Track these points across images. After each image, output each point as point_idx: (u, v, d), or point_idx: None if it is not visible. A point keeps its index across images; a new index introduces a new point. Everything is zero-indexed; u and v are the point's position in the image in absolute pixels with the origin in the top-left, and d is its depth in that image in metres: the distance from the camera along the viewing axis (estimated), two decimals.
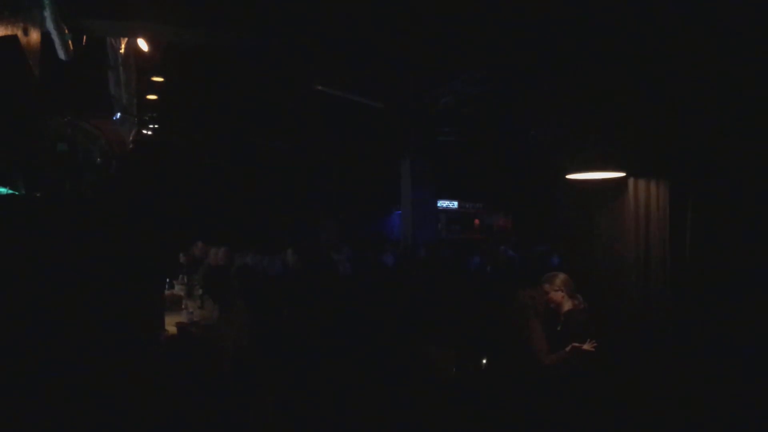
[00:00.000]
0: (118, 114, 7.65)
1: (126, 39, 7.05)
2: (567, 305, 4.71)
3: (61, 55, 5.38)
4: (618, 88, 5.22)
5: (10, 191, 3.84)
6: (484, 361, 5.78)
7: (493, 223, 21.64)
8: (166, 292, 7.28)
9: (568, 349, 4.44)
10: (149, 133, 11.23)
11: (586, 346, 4.40)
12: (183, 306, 6.91)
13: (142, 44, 7.18)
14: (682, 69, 4.90)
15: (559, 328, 4.72)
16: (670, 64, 4.93)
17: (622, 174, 5.14)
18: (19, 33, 4.49)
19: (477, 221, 21.61)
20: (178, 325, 5.84)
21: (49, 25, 4.46)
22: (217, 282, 7.00)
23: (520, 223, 16.91)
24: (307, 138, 15.21)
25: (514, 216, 18.33)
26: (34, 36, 4.74)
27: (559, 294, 4.74)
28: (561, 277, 4.80)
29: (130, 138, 8.61)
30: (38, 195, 4.11)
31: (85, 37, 5.64)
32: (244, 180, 16.48)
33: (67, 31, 5.05)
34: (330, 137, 15.02)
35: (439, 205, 15.87)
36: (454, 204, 21.84)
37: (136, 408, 2.85)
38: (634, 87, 5.14)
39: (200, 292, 7.44)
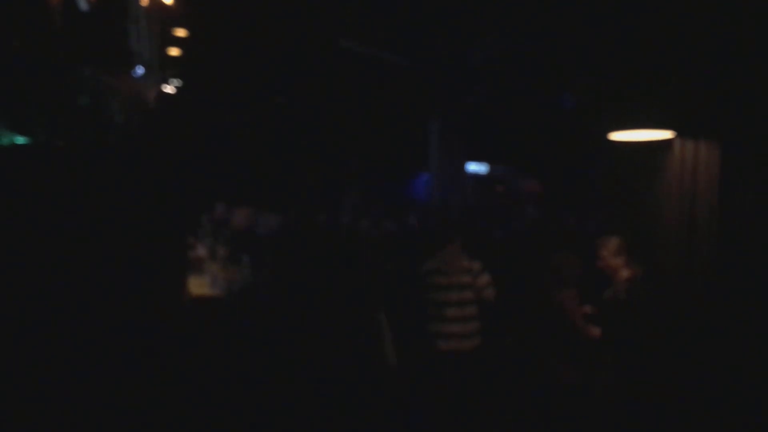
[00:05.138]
0: (140, 69, 7.48)
1: None
2: (625, 273, 4.40)
3: (82, 5, 5.20)
4: (665, 41, 4.88)
5: (30, 140, 3.77)
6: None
7: (522, 187, 20.98)
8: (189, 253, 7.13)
9: None
10: (172, 89, 11.06)
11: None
12: (205, 268, 6.76)
13: None
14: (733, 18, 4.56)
15: (607, 296, 4.44)
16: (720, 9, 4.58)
17: (669, 134, 4.82)
18: None
19: (498, 187, 20.83)
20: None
21: None
22: (243, 244, 6.83)
23: (549, 186, 16.47)
24: (333, 97, 14.96)
25: (543, 179, 17.85)
26: None
27: (617, 260, 4.43)
28: (616, 241, 4.46)
29: (153, 94, 8.45)
30: (59, 145, 4.01)
31: None
32: (267, 141, 16.32)
33: None
34: (356, 96, 14.76)
35: (469, 169, 15.55)
36: (484, 168, 21.31)
37: (157, 370, 2.75)
38: (682, 40, 4.80)
39: (223, 254, 7.27)
